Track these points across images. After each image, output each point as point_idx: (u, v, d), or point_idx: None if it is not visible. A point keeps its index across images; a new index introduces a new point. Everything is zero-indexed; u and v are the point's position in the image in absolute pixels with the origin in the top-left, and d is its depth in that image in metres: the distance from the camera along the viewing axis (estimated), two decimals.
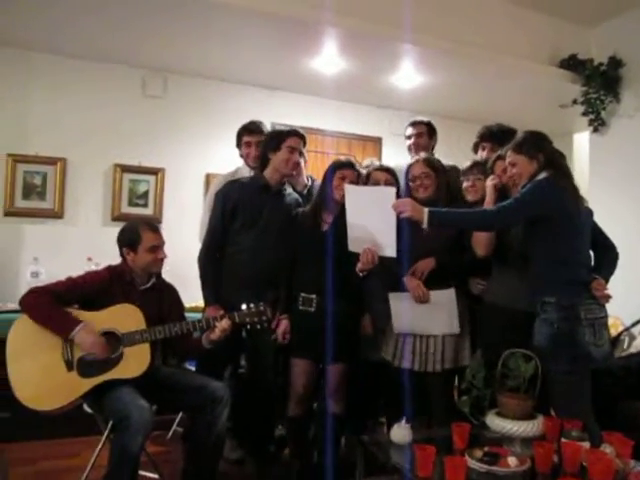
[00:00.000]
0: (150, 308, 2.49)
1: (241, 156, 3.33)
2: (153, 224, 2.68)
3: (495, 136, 3.00)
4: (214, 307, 2.73)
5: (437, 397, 2.64)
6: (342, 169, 2.74)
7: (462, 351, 2.61)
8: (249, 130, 3.25)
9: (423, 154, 2.84)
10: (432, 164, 2.72)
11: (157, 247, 2.55)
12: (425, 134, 3.35)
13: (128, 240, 2.53)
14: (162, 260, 2.58)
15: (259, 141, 3.13)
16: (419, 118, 3.45)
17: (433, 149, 3.39)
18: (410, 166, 2.75)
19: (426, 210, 2.27)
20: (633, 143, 4.44)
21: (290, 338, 2.72)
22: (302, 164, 3.30)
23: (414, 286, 2.58)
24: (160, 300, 2.59)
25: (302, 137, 2.91)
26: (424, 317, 2.59)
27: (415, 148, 3.33)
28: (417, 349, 2.63)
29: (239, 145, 3.32)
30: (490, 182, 2.57)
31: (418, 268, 2.59)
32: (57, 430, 3.21)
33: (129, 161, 4.40)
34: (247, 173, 3.17)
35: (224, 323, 2.45)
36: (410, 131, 3.39)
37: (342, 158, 2.97)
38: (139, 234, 2.52)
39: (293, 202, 2.97)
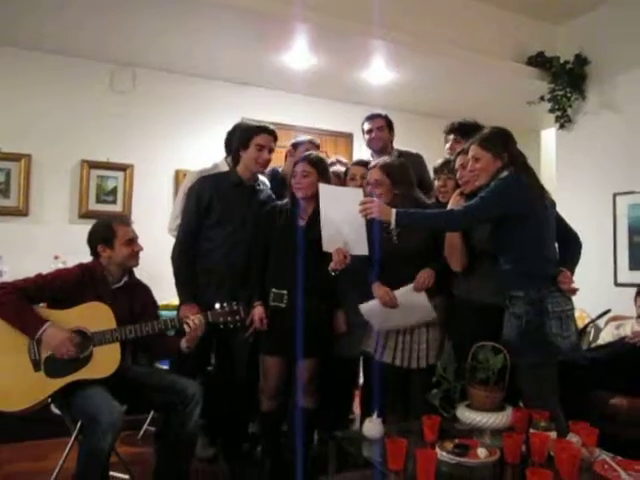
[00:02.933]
0: (122, 307, 2.45)
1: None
2: (124, 218, 2.65)
3: (457, 129, 3.01)
4: (189, 306, 2.70)
5: (418, 393, 2.62)
6: (295, 166, 2.73)
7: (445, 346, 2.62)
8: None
9: (382, 159, 2.75)
10: (387, 170, 2.64)
11: (133, 240, 2.54)
12: (385, 127, 3.34)
13: (103, 236, 2.49)
14: (138, 253, 2.56)
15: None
16: (376, 111, 3.40)
17: (392, 143, 3.39)
18: (369, 169, 2.72)
19: (394, 211, 2.28)
20: (598, 139, 4.55)
21: (261, 334, 2.71)
22: None
23: (382, 294, 2.58)
24: (132, 299, 2.55)
25: (271, 133, 2.86)
26: (399, 315, 2.60)
27: (376, 142, 3.32)
28: (400, 345, 2.64)
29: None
30: (456, 195, 2.57)
31: (420, 280, 2.57)
32: (23, 433, 3.14)
33: (97, 157, 4.32)
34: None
35: (197, 321, 2.42)
36: (368, 125, 3.35)
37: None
38: (113, 229, 2.49)
39: (267, 199, 2.95)
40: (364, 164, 2.88)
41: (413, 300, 2.58)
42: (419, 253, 2.61)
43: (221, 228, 2.79)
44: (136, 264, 2.58)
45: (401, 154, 3.29)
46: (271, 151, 2.86)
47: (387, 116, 3.38)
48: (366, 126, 3.37)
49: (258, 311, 2.67)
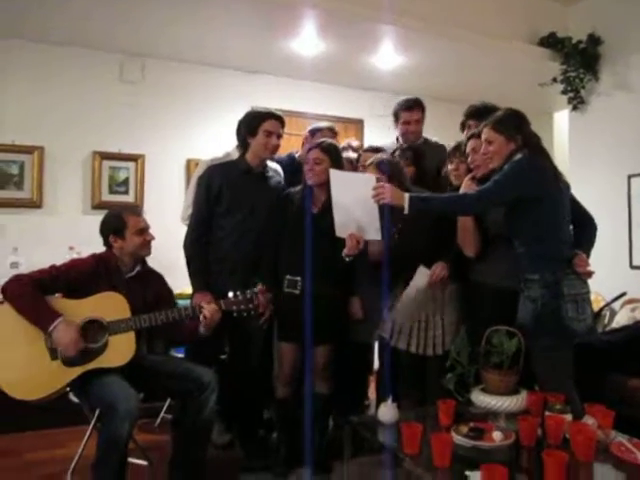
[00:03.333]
0: (136, 296, 2.47)
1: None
2: (135, 208, 2.67)
3: (480, 114, 2.95)
4: (202, 294, 2.71)
5: (434, 379, 2.63)
6: (307, 153, 2.74)
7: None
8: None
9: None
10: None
11: (144, 229, 2.55)
12: (421, 120, 3.24)
13: (114, 227, 2.51)
14: (150, 242, 2.57)
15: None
16: (413, 98, 3.25)
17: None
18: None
19: (407, 195, 2.27)
20: (612, 121, 4.49)
21: (276, 321, 2.72)
22: None
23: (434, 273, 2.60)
24: (146, 287, 2.57)
25: (279, 118, 2.86)
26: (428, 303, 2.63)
27: (415, 135, 3.22)
28: (415, 332, 2.65)
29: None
30: (467, 180, 2.56)
31: (435, 274, 2.59)
32: (43, 421, 3.19)
33: (108, 148, 4.33)
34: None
35: (212, 309, 2.43)
36: (406, 116, 3.20)
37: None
38: (124, 219, 2.51)
39: (276, 185, 2.95)
40: (376, 150, 2.87)
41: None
42: (421, 254, 2.61)
43: (231, 216, 2.80)
44: (148, 253, 2.60)
45: (427, 142, 3.27)
46: (279, 137, 2.86)
47: (422, 103, 3.26)
48: (404, 116, 3.21)
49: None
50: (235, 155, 3.08)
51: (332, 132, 3.21)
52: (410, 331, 2.65)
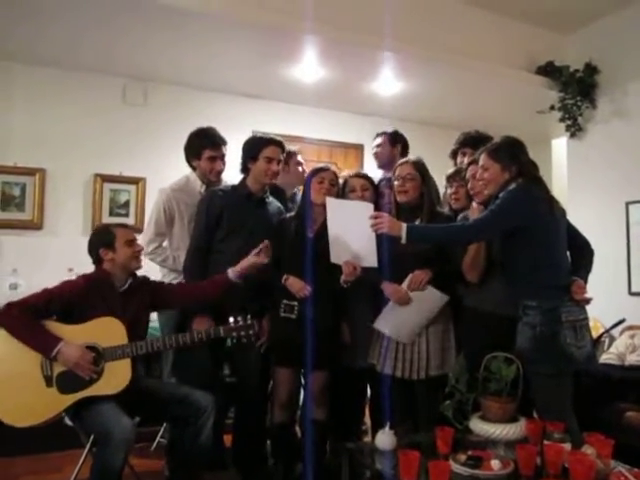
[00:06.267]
0: (131, 309, 2.47)
1: (193, 167, 3.14)
2: (121, 224, 2.68)
3: (475, 142, 3.02)
4: (201, 317, 2.70)
5: (422, 404, 2.64)
6: (319, 173, 2.77)
7: (449, 358, 2.61)
8: (213, 144, 3.08)
9: (413, 157, 2.83)
10: (419, 167, 2.72)
11: (133, 240, 2.55)
12: (386, 143, 3.52)
13: (103, 241, 2.50)
14: (140, 253, 2.58)
15: (224, 155, 3.11)
16: (385, 129, 3.61)
17: (402, 156, 3.41)
18: (398, 165, 2.77)
19: (404, 226, 2.28)
20: (609, 148, 4.53)
21: (272, 346, 2.72)
22: (299, 169, 3.41)
23: (392, 291, 2.59)
24: (142, 296, 2.55)
25: (279, 144, 2.88)
26: (413, 312, 2.59)
27: (379, 158, 3.55)
28: (400, 355, 2.64)
29: (196, 156, 3.10)
30: (475, 205, 2.58)
31: (414, 279, 2.58)
32: (39, 445, 3.15)
33: (109, 171, 4.37)
34: (199, 186, 3.09)
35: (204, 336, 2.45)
36: (374, 142, 3.61)
37: (320, 164, 2.99)
38: (112, 232, 2.52)
39: (276, 210, 2.97)
40: (364, 176, 2.90)
41: (419, 292, 2.59)
42: (428, 256, 2.61)
43: (230, 241, 2.80)
44: (139, 266, 2.59)
45: None
46: (279, 162, 2.88)
47: (393, 133, 3.55)
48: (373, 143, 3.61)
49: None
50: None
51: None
52: (395, 355, 2.64)
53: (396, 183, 2.71)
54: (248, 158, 2.86)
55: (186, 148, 3.15)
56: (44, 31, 3.62)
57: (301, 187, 3.40)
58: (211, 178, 3.09)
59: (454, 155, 3.19)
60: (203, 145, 3.07)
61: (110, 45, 3.89)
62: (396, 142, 3.51)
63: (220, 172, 3.12)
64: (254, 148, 2.85)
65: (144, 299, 2.56)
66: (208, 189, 3.01)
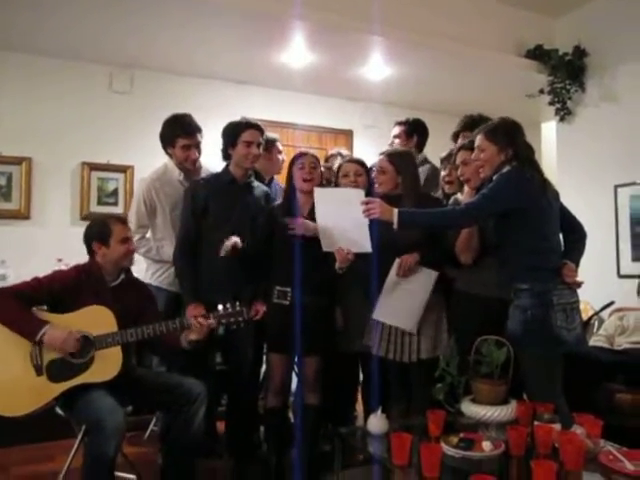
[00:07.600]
0: (122, 304, 2.44)
1: (169, 155, 3.09)
2: (121, 217, 2.65)
3: (477, 125, 2.98)
4: (194, 305, 2.69)
5: (417, 387, 2.65)
6: (298, 159, 2.75)
7: (440, 341, 2.61)
8: (186, 132, 3.01)
9: (391, 148, 2.83)
10: (392, 159, 2.69)
11: (128, 239, 2.53)
12: (402, 135, 3.45)
13: (98, 234, 2.47)
14: (133, 252, 2.56)
15: (199, 143, 3.06)
16: (406, 117, 3.53)
17: (417, 148, 3.41)
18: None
19: (396, 211, 2.28)
20: (598, 131, 4.54)
21: (265, 332, 2.72)
22: (280, 157, 3.38)
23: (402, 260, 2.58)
24: (132, 296, 2.54)
25: (257, 127, 2.86)
26: (406, 294, 2.59)
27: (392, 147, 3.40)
28: (392, 338, 2.64)
29: (170, 144, 3.04)
30: (467, 188, 2.57)
31: (403, 262, 2.57)
32: (30, 435, 3.14)
33: (97, 159, 4.33)
34: (177, 174, 3.06)
35: (202, 321, 2.42)
36: (392, 131, 3.53)
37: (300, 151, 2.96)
38: (109, 227, 2.48)
39: (262, 195, 2.96)
40: (357, 161, 2.89)
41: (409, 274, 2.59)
42: (420, 241, 2.60)
43: (218, 228, 2.78)
44: (130, 264, 2.57)
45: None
46: (259, 146, 2.87)
47: (411, 123, 3.51)
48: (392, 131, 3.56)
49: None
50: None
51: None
52: (388, 337, 2.64)
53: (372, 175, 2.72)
54: (228, 144, 2.85)
55: (161, 136, 3.08)
56: (28, 19, 3.57)
57: (279, 175, 3.41)
58: (187, 166, 3.04)
59: (455, 138, 3.11)
60: (176, 133, 3.01)
61: (96, 33, 3.84)
62: (413, 134, 3.47)
63: (195, 160, 3.06)
64: (232, 134, 2.83)
65: (134, 299, 2.54)
66: (192, 180, 2.99)
